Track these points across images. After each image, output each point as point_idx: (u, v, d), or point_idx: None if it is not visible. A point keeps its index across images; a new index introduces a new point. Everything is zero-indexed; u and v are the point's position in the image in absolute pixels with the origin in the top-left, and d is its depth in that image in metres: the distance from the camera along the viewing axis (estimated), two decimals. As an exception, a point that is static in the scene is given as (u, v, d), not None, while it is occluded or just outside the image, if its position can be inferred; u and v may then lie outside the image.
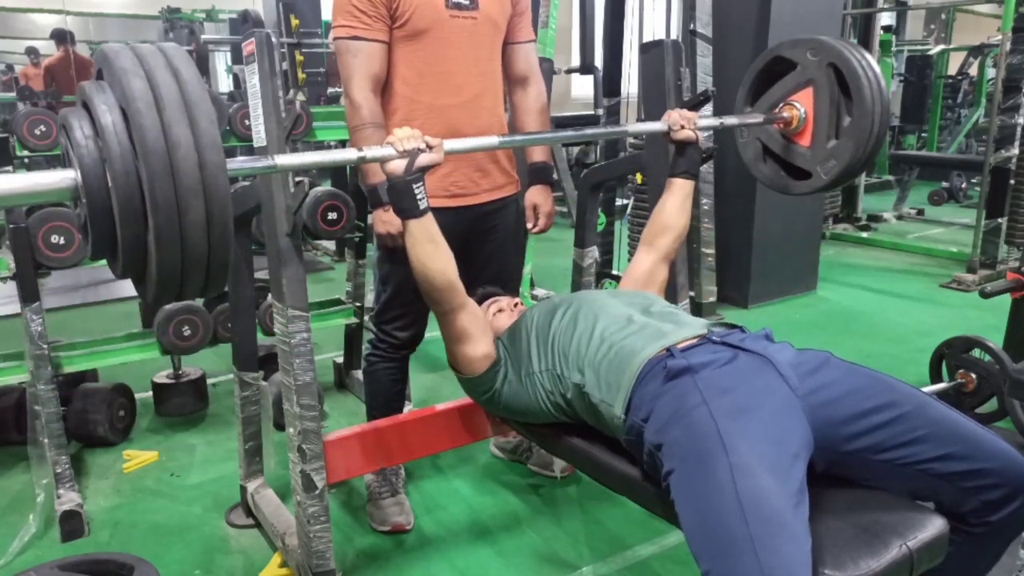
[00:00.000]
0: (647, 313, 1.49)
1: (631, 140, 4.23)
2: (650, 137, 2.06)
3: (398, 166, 1.38)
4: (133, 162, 0.91)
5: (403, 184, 1.38)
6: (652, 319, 1.46)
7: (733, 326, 1.46)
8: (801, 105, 1.76)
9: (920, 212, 6.65)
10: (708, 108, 3.61)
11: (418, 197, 1.40)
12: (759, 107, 1.85)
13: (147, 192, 0.90)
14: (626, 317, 1.47)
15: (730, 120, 1.79)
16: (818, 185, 1.77)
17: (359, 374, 2.71)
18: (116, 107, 0.93)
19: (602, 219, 3.75)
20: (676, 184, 1.76)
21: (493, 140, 1.53)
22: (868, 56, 1.69)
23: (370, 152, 1.37)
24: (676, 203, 1.76)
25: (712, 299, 3.89)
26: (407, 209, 1.41)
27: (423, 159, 1.38)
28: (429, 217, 1.44)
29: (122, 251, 0.95)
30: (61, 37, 7.49)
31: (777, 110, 1.79)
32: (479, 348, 1.56)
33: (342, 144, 3.14)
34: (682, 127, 1.69)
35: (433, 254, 1.46)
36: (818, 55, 1.71)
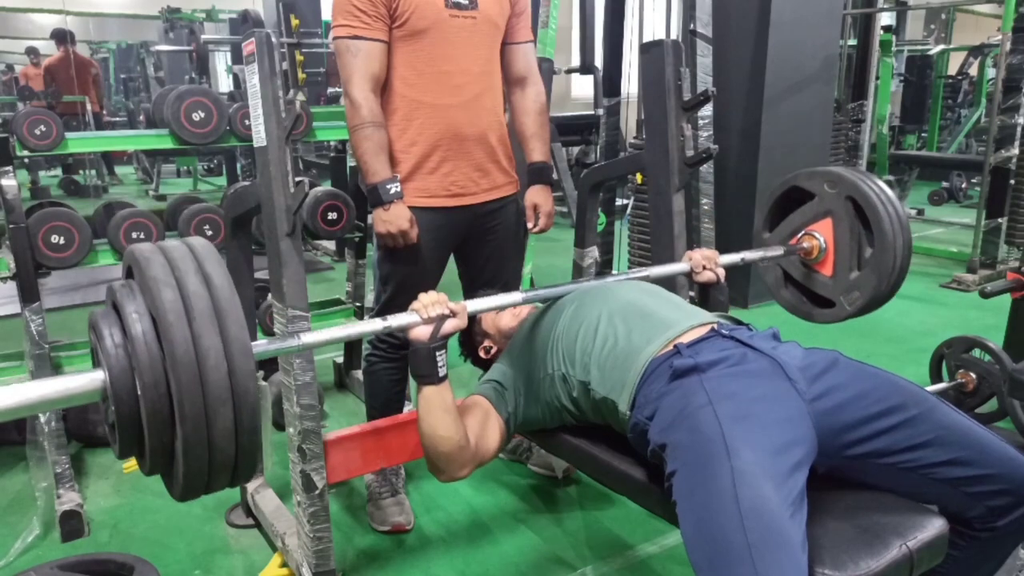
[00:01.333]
0: (652, 300, 1.48)
1: (631, 140, 4.23)
2: (650, 137, 2.05)
3: (423, 332, 1.33)
4: (163, 371, 0.92)
5: (427, 351, 1.33)
6: (657, 306, 1.45)
7: (740, 322, 1.45)
8: (820, 235, 1.74)
9: (920, 212, 6.65)
10: (708, 108, 3.62)
11: (439, 364, 1.35)
12: (778, 233, 1.84)
13: (176, 402, 0.91)
14: (629, 304, 1.45)
15: (751, 255, 1.76)
16: (842, 315, 1.75)
17: (359, 374, 2.71)
18: (147, 315, 0.93)
19: (602, 219, 3.76)
20: None
21: (516, 297, 1.45)
22: (886, 188, 1.68)
23: (395, 321, 1.33)
24: None
25: (712, 299, 3.88)
26: (427, 376, 1.35)
27: (448, 326, 1.34)
28: (447, 385, 1.37)
29: (149, 455, 0.97)
30: (61, 37, 7.51)
31: (796, 240, 1.78)
32: (491, 445, 1.47)
33: (342, 144, 3.13)
34: (704, 268, 1.64)
35: (442, 421, 1.36)
36: (835, 187, 1.70)
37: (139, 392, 0.92)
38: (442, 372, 1.35)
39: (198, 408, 0.91)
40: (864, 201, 1.66)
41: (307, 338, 1.22)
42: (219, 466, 0.97)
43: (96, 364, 0.99)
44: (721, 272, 1.66)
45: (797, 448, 1.14)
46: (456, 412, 1.38)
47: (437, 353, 1.33)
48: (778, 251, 1.78)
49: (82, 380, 0.96)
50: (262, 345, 1.17)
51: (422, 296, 1.36)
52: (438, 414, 1.36)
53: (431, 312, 1.33)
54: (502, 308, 1.47)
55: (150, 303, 0.93)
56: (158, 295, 0.92)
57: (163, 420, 0.93)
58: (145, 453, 0.97)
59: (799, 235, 1.78)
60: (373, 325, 1.34)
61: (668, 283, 1.94)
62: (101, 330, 0.95)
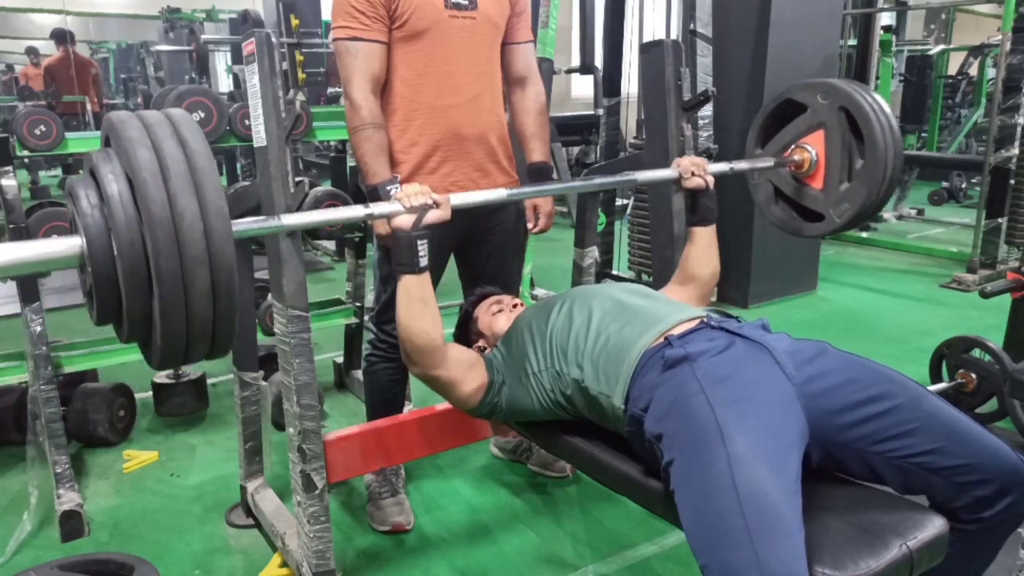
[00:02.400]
0: (642, 298, 1.50)
1: (631, 140, 4.23)
2: (650, 137, 2.05)
3: (406, 221, 1.38)
4: (139, 231, 0.91)
5: (408, 239, 1.38)
6: (647, 304, 1.47)
7: (728, 315, 1.47)
8: (812, 148, 1.74)
9: (920, 212, 6.65)
10: (708, 108, 3.62)
11: (420, 254, 1.39)
12: (770, 149, 1.84)
13: (152, 262, 0.91)
14: (621, 303, 1.47)
15: (741, 164, 1.77)
16: (831, 228, 1.76)
17: (359, 374, 2.71)
18: (122, 176, 0.93)
19: (602, 219, 3.76)
20: (696, 233, 1.73)
21: (501, 193, 1.51)
22: (880, 99, 1.67)
23: (378, 208, 1.37)
24: (699, 253, 1.72)
25: (712, 299, 3.89)
26: (407, 264, 1.40)
27: (431, 216, 1.38)
28: (426, 277, 1.43)
29: (127, 319, 0.96)
30: (61, 37, 7.50)
31: (788, 153, 1.78)
32: (468, 386, 1.52)
33: (342, 144, 3.14)
34: (693, 174, 1.67)
35: (421, 313, 1.43)
36: (829, 98, 1.69)
37: (116, 253, 0.92)
38: (423, 263, 1.40)
39: (175, 268, 0.91)
40: (857, 111, 1.65)
41: (288, 219, 1.23)
42: (197, 331, 0.96)
43: (73, 231, 0.99)
44: (710, 179, 1.69)
45: (789, 430, 1.16)
46: (435, 307, 1.44)
47: (418, 242, 1.38)
48: (768, 162, 1.78)
49: (61, 244, 0.96)
50: (243, 223, 1.17)
51: (406, 186, 1.41)
52: (416, 305, 1.42)
53: (414, 201, 1.37)
54: (486, 203, 1.53)
55: (126, 164, 0.93)
56: (133, 155, 0.92)
57: (140, 281, 0.92)
58: (123, 318, 0.96)
59: (791, 148, 1.78)
60: (355, 211, 1.38)
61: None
62: (77, 193, 0.95)
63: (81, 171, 1.03)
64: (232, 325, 1.00)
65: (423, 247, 1.39)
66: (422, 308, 1.43)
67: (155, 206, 0.90)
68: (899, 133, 1.68)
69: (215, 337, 0.99)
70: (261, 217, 1.23)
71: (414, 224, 1.37)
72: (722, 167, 1.74)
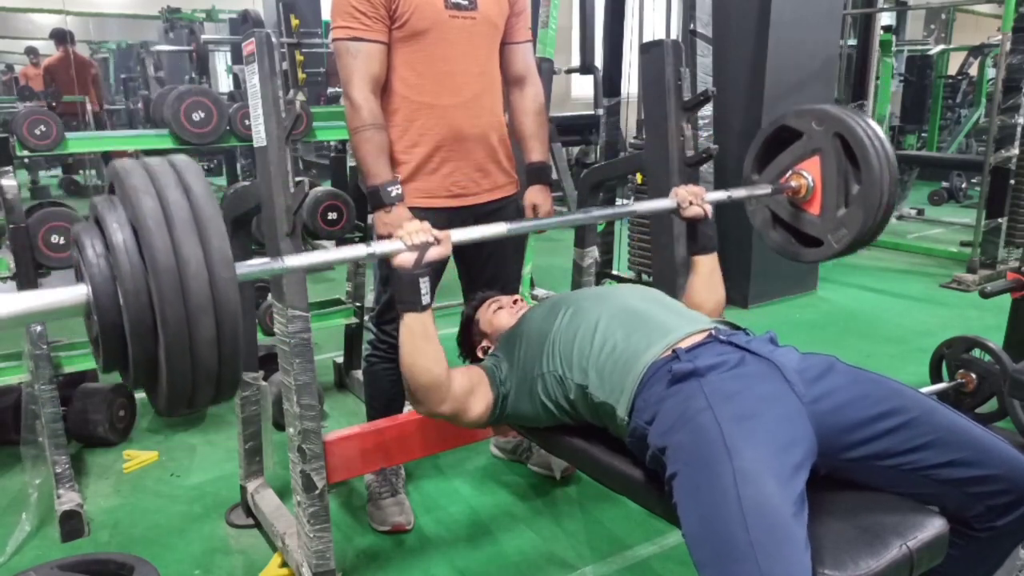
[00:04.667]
0: (650, 305, 1.48)
1: (631, 140, 4.23)
2: (650, 137, 2.06)
3: (407, 259, 1.36)
4: (144, 280, 0.92)
5: (410, 277, 1.37)
6: (655, 311, 1.45)
7: (737, 327, 1.45)
8: (808, 174, 1.74)
9: (920, 212, 6.65)
10: (708, 108, 3.62)
11: (422, 292, 1.39)
12: (767, 175, 1.84)
13: (157, 310, 0.92)
14: (628, 309, 1.46)
15: (738, 193, 1.77)
16: (830, 253, 1.76)
17: (359, 374, 2.71)
18: (127, 225, 0.94)
19: (602, 219, 3.76)
20: (698, 262, 1.70)
21: (502, 228, 1.49)
22: (873, 124, 1.68)
23: (380, 248, 1.36)
24: (702, 281, 1.69)
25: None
26: (410, 303, 1.39)
27: (432, 253, 1.38)
28: (429, 314, 1.42)
29: (133, 366, 0.97)
30: (61, 37, 7.50)
31: (784, 180, 1.78)
32: (474, 411, 1.51)
33: (342, 144, 3.13)
34: (691, 203, 1.65)
35: (424, 350, 1.41)
36: (823, 124, 1.70)
37: (121, 302, 0.93)
38: (425, 300, 1.40)
39: (179, 316, 0.92)
40: (851, 137, 1.66)
41: (290, 261, 1.24)
42: (202, 376, 0.97)
43: (79, 279, 0.99)
44: (708, 208, 1.68)
45: (797, 448, 1.15)
46: (438, 343, 1.42)
47: (420, 280, 1.38)
48: (765, 189, 1.79)
49: (67, 293, 0.97)
50: (246, 265, 1.18)
51: (406, 224, 1.40)
52: (419, 342, 1.41)
53: (415, 239, 1.36)
54: (486, 238, 1.51)
55: (131, 213, 0.94)
56: (138, 204, 0.92)
57: (146, 329, 0.93)
58: (129, 365, 0.97)
59: (787, 175, 1.79)
60: (357, 251, 1.38)
61: (670, 289, 1.94)
62: (83, 241, 0.96)
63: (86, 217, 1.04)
64: (237, 371, 1.01)
65: (425, 284, 1.38)
66: (425, 344, 1.41)
67: (160, 255, 0.91)
68: (894, 157, 1.68)
69: (220, 382, 1.00)
70: (265, 259, 1.24)
71: (416, 262, 1.36)
72: (720, 196, 1.73)
